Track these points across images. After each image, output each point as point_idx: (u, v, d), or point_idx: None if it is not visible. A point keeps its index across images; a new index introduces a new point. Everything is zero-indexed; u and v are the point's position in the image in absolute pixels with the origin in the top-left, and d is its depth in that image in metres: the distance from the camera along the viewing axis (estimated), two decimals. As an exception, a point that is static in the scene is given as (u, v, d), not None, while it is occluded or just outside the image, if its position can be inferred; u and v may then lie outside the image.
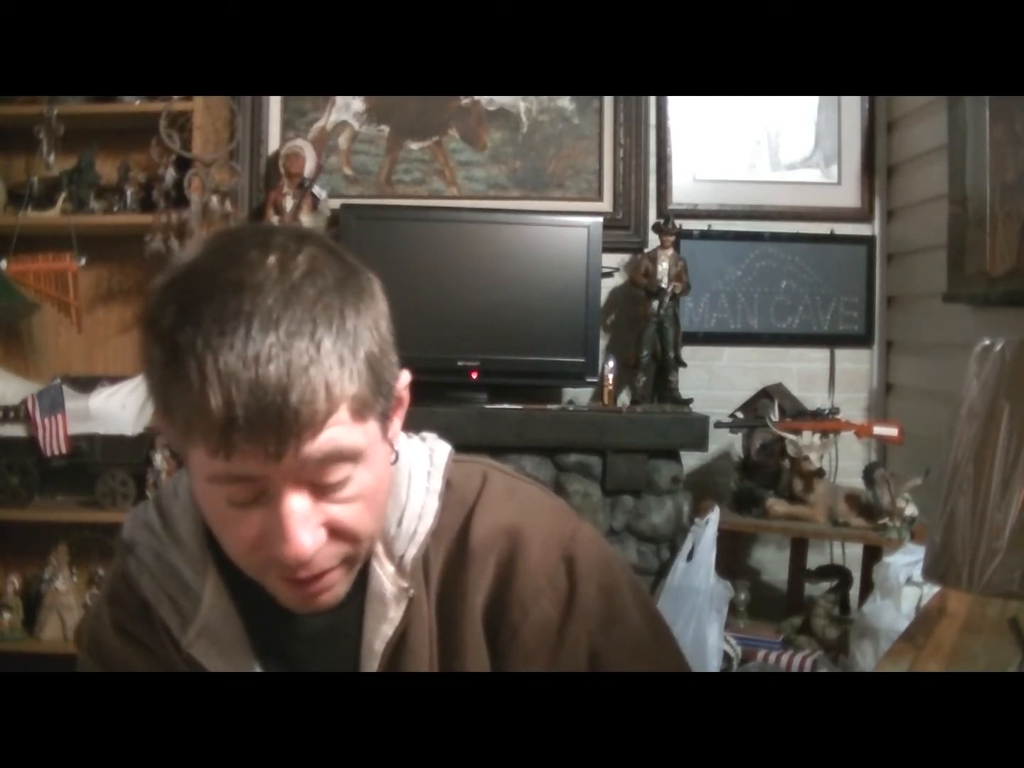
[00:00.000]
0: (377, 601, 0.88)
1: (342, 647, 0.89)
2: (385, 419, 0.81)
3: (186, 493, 0.91)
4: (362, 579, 0.88)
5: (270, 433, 0.71)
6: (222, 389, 0.70)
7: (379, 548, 0.88)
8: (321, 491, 0.77)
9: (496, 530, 0.89)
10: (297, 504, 0.75)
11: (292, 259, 0.75)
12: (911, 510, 2.51)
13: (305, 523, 0.75)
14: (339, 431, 0.74)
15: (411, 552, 0.88)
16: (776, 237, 3.12)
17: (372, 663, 0.88)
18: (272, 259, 0.75)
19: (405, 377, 0.85)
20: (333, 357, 0.73)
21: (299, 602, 0.82)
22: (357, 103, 3.10)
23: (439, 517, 0.89)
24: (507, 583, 0.88)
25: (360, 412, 0.76)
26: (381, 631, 0.88)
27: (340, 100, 3.09)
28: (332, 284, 0.75)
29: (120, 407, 2.74)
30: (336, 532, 0.78)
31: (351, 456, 0.76)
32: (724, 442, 3.02)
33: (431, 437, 0.96)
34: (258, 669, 0.90)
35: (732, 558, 2.81)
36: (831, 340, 3.14)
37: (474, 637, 0.88)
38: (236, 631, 0.89)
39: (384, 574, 0.87)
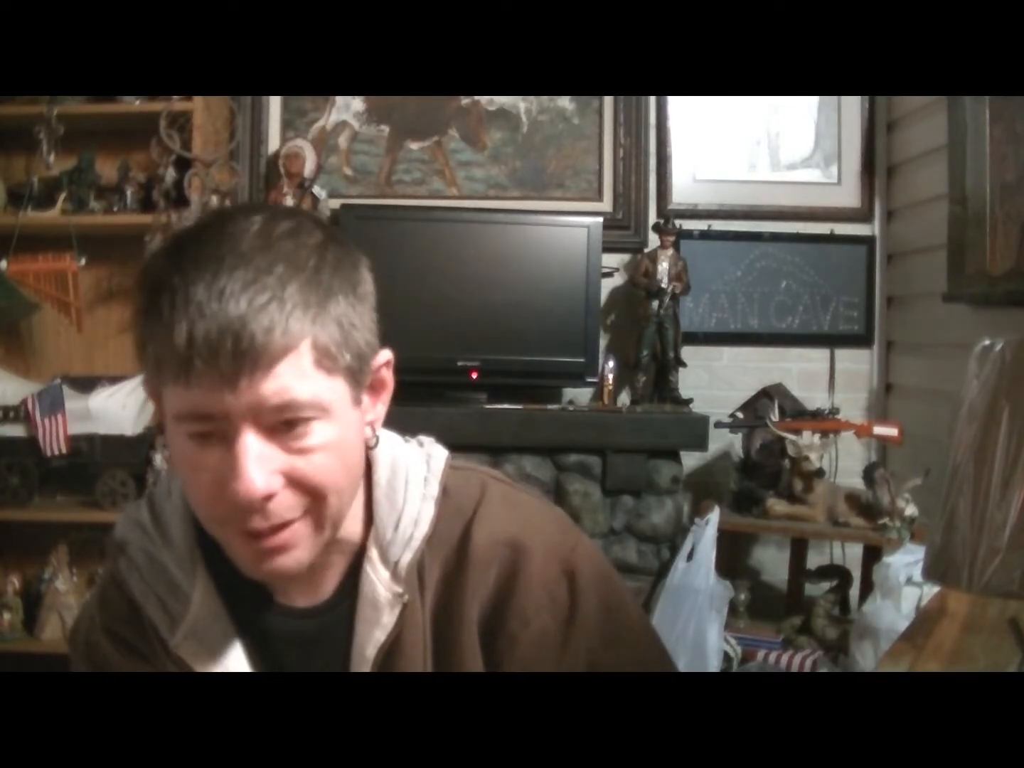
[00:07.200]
0: (370, 606, 0.87)
1: (332, 651, 0.89)
2: (357, 386, 0.81)
3: (178, 492, 0.91)
4: (353, 583, 0.88)
5: (226, 361, 0.73)
6: (187, 317, 0.73)
7: (374, 552, 0.88)
8: (281, 438, 0.77)
9: (497, 541, 0.88)
10: (251, 443, 0.76)
11: (278, 222, 0.79)
12: (911, 510, 2.50)
13: (259, 463, 0.76)
14: (297, 377, 0.75)
15: (406, 558, 0.87)
16: (776, 237, 3.12)
17: (363, 668, 0.88)
18: (259, 218, 0.79)
19: (385, 355, 0.85)
20: (298, 298, 0.75)
21: (258, 561, 0.80)
22: (357, 103, 3.10)
23: (435, 524, 0.89)
24: (508, 595, 0.88)
25: (323, 363, 0.77)
26: (374, 636, 0.87)
27: (340, 100, 3.09)
28: (312, 244, 0.78)
29: (120, 407, 2.74)
30: (295, 482, 0.78)
31: (311, 406, 0.77)
32: (724, 442, 3.01)
33: (428, 442, 0.95)
34: (246, 671, 0.89)
35: (732, 558, 2.81)
36: (831, 340, 3.14)
37: (470, 645, 0.88)
38: (224, 632, 0.89)
39: (378, 579, 0.87)
